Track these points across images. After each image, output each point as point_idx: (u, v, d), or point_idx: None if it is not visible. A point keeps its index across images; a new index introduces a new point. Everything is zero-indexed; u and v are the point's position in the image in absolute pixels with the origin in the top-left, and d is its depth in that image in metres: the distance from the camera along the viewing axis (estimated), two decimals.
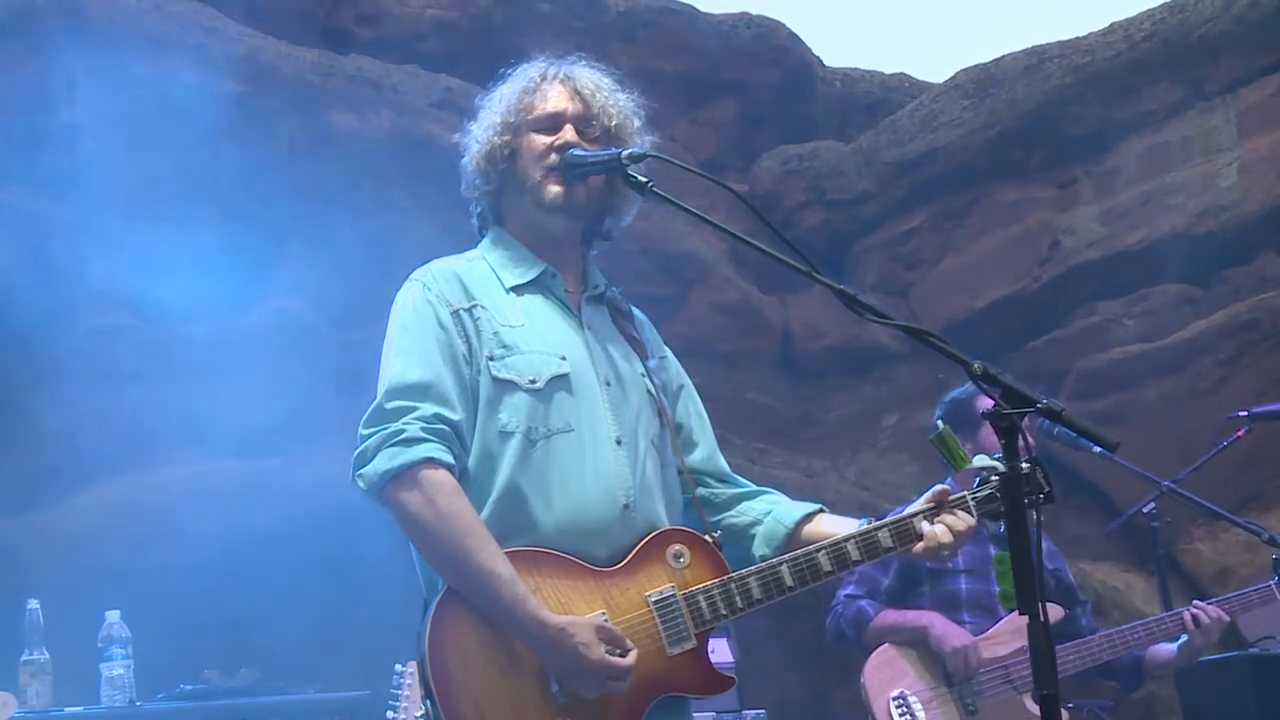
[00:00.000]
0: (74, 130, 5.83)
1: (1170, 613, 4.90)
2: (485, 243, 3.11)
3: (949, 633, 4.74)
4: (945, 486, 2.99)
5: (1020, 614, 2.43)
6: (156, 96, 5.82)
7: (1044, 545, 4.79)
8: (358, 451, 2.83)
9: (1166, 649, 4.94)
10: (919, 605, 4.88)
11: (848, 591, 4.95)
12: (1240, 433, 5.24)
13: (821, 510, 3.08)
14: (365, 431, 2.84)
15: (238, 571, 5.51)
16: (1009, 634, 4.76)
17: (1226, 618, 4.89)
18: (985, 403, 4.99)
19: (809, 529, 3.03)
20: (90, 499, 5.78)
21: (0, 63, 5.80)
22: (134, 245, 5.88)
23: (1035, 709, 4.71)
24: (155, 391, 5.72)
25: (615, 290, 3.16)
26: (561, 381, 2.91)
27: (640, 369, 3.05)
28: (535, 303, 3.00)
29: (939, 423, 2.85)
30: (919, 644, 4.77)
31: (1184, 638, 4.87)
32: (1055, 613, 4.75)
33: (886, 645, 4.80)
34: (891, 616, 4.87)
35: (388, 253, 5.87)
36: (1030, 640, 2.42)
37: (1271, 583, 4.96)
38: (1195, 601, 4.91)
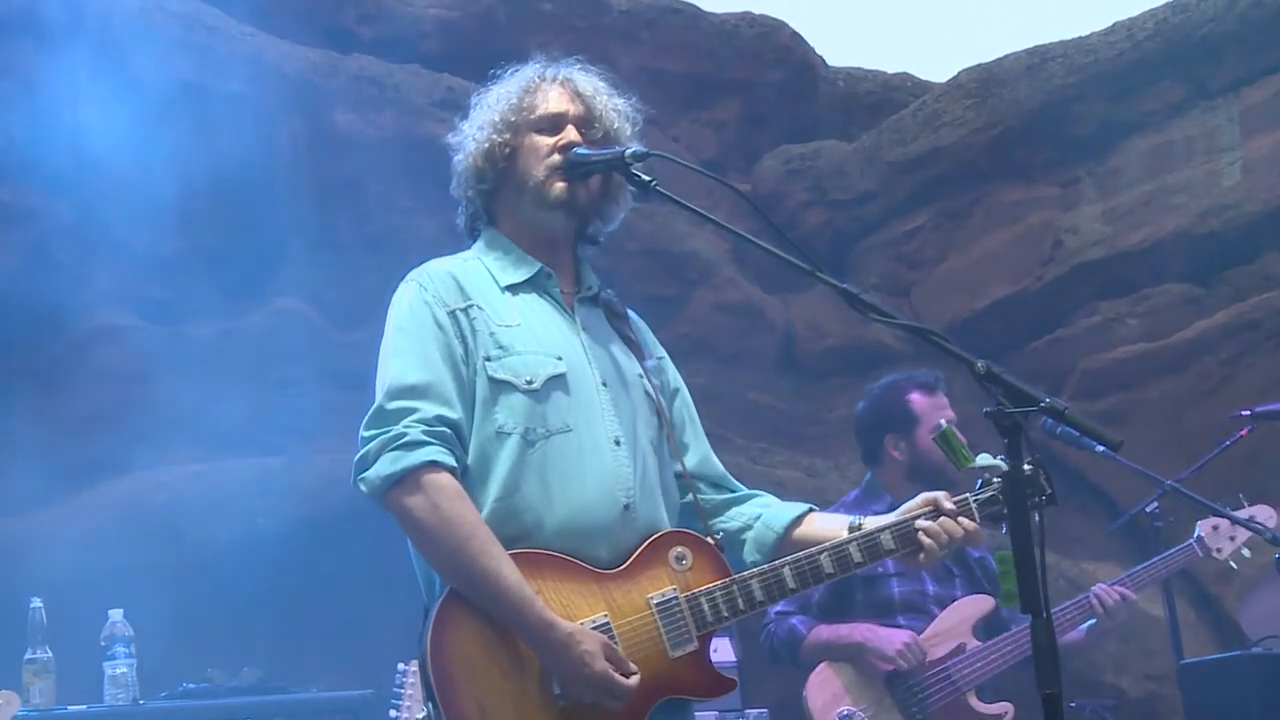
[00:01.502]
0: (77, 130, 5.84)
1: (1076, 599, 4.88)
2: (480, 244, 3.10)
3: (884, 639, 4.66)
4: (939, 493, 2.98)
5: (1023, 612, 2.43)
6: (159, 96, 5.82)
7: None
8: (359, 455, 2.83)
9: (1076, 633, 4.91)
10: (852, 613, 4.80)
11: (778, 608, 4.77)
12: (1243, 432, 5.24)
13: (811, 510, 3.08)
14: (366, 434, 2.83)
15: (240, 570, 5.51)
16: (943, 635, 4.73)
17: (1133, 595, 4.88)
18: (922, 403, 5.02)
19: (800, 531, 3.03)
20: (93, 498, 5.79)
21: (3, 62, 5.81)
22: (137, 245, 5.89)
23: (980, 706, 4.72)
24: (159, 391, 5.72)
25: (609, 291, 3.16)
26: (558, 382, 2.90)
27: (638, 369, 3.05)
28: (531, 302, 2.99)
29: (941, 421, 2.84)
30: (855, 659, 4.70)
31: (1093, 620, 4.86)
32: (986, 603, 4.75)
33: (824, 664, 4.74)
34: (825, 634, 4.76)
35: (391, 252, 5.88)
36: (1033, 638, 2.42)
37: (1192, 541, 4.98)
38: (1097, 585, 4.90)
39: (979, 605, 4.79)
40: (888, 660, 4.62)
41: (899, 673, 4.64)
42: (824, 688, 4.70)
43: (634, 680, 2.76)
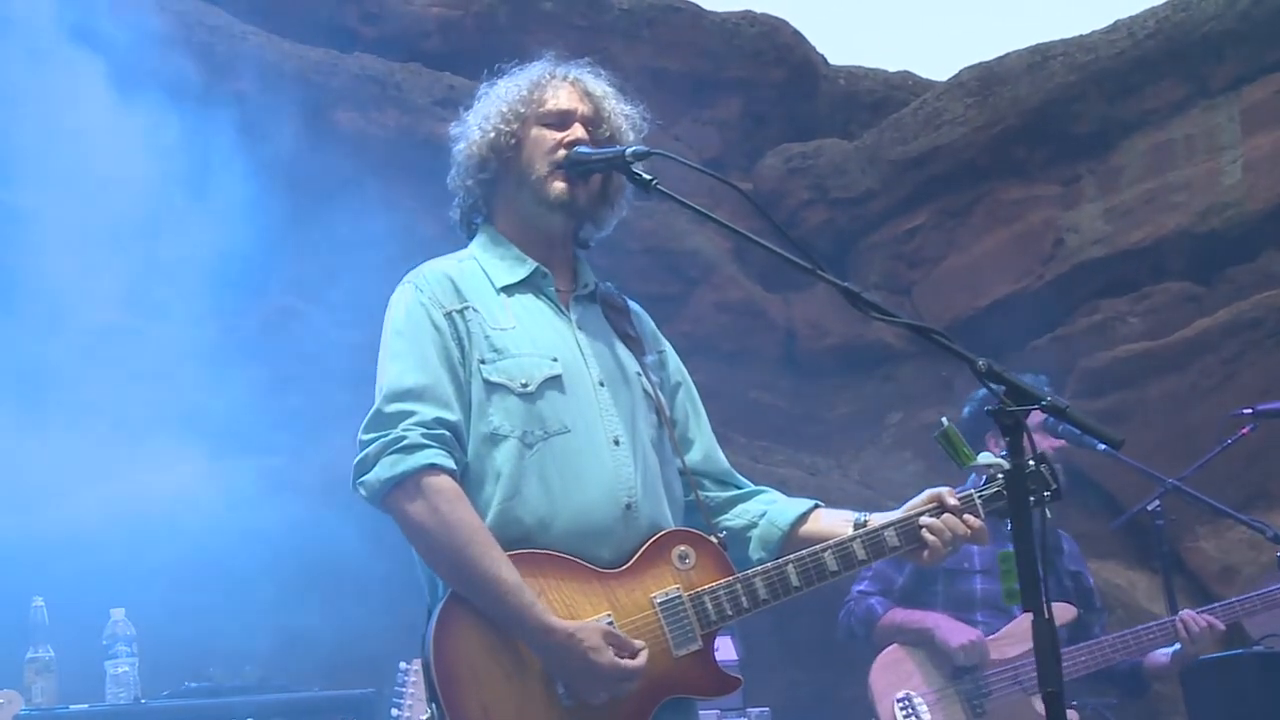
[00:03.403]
0: (77, 129, 5.83)
1: (1161, 620, 4.90)
2: (476, 243, 3.10)
3: (954, 630, 4.74)
4: (943, 489, 2.99)
5: (1024, 610, 2.43)
6: (160, 95, 5.82)
7: (1066, 546, 4.80)
8: (358, 459, 2.82)
9: (1162, 655, 4.93)
10: (932, 604, 4.87)
11: (860, 588, 4.95)
12: (1244, 430, 5.24)
13: (817, 506, 3.08)
14: (365, 438, 2.83)
15: (242, 569, 5.51)
16: (1019, 635, 4.74)
17: (1221, 625, 4.87)
18: None
19: (805, 528, 3.03)
20: (94, 497, 5.78)
21: (2, 62, 5.81)
22: (137, 243, 5.89)
23: (1043, 709, 4.73)
24: (159, 390, 5.72)
25: (609, 285, 3.16)
26: (554, 383, 2.90)
27: (636, 367, 3.05)
28: (526, 303, 2.99)
29: (943, 420, 2.84)
30: (925, 644, 4.76)
31: (1178, 645, 4.88)
32: (1067, 612, 4.74)
33: (894, 646, 4.79)
34: (899, 616, 4.86)
35: (392, 251, 5.86)
36: (1034, 637, 2.42)
37: None
38: (1184, 610, 4.90)
39: (1061, 613, 4.79)
40: (949, 651, 4.67)
41: (963, 666, 4.69)
42: (889, 670, 4.76)
43: (642, 658, 2.76)
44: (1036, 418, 4.87)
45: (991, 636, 4.77)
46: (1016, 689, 4.71)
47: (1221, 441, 5.37)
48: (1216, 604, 5.01)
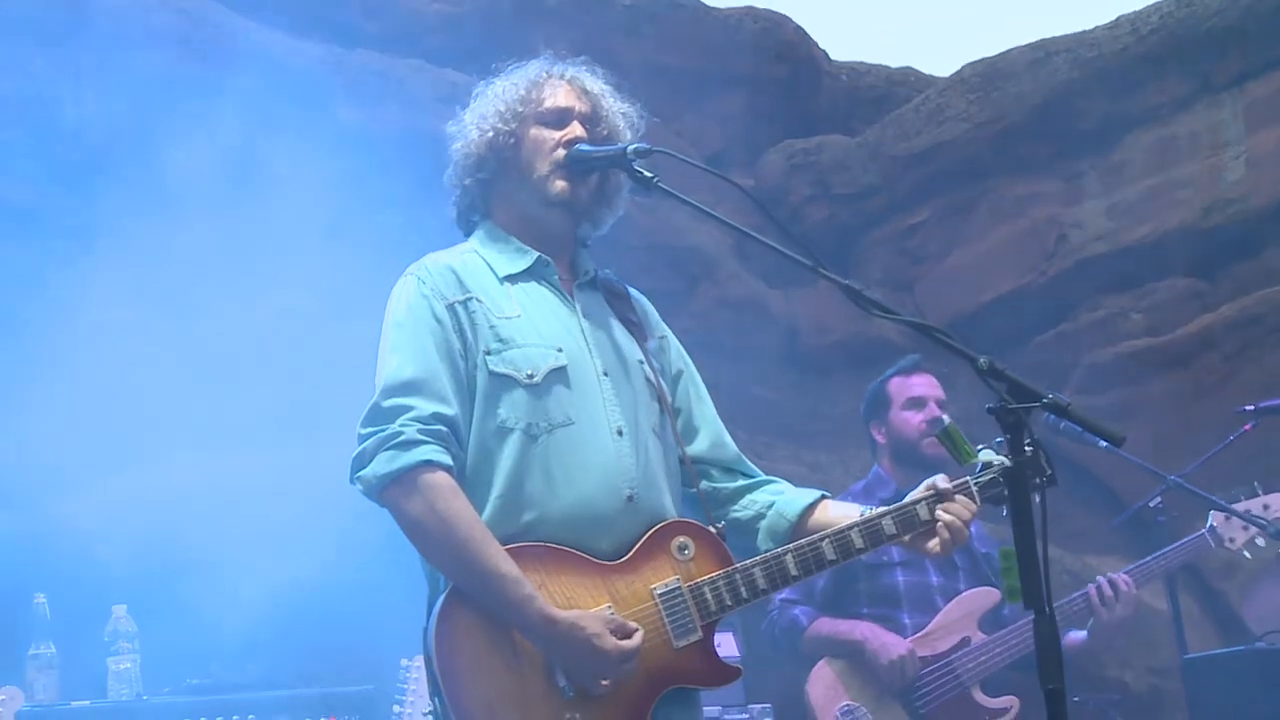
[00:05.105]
0: (79, 125, 5.84)
1: (1073, 595, 4.87)
2: (476, 238, 3.11)
3: (885, 645, 4.67)
4: (938, 477, 3.00)
5: (1026, 608, 2.43)
6: (162, 91, 5.82)
7: (974, 529, 4.76)
8: (355, 453, 2.84)
9: (1077, 636, 4.90)
10: (855, 602, 4.82)
11: (782, 596, 4.82)
12: (1247, 427, 5.25)
13: (825, 497, 3.09)
14: (363, 432, 2.84)
15: (243, 565, 5.51)
16: (948, 628, 4.74)
17: (1134, 590, 4.85)
18: (895, 384, 5.20)
19: (813, 519, 3.05)
20: (97, 493, 5.79)
21: (5, 58, 5.81)
22: (139, 240, 5.89)
23: (984, 700, 4.73)
24: (161, 386, 5.72)
25: (607, 272, 3.17)
26: (559, 374, 2.91)
27: (638, 354, 3.06)
28: (530, 291, 3.00)
29: (944, 418, 2.86)
30: (855, 656, 4.71)
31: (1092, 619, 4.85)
32: (991, 595, 4.77)
33: (825, 660, 4.76)
34: (825, 627, 4.79)
35: (394, 247, 5.86)
36: (1036, 634, 2.42)
37: (1204, 531, 4.98)
38: (1099, 577, 4.88)
39: (985, 598, 4.81)
40: (877, 670, 4.63)
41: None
42: (825, 683, 4.71)
43: (638, 637, 2.76)
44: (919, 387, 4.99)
45: (920, 634, 4.74)
46: (954, 683, 4.68)
47: (1224, 438, 5.37)
48: (1133, 565, 5.00)
